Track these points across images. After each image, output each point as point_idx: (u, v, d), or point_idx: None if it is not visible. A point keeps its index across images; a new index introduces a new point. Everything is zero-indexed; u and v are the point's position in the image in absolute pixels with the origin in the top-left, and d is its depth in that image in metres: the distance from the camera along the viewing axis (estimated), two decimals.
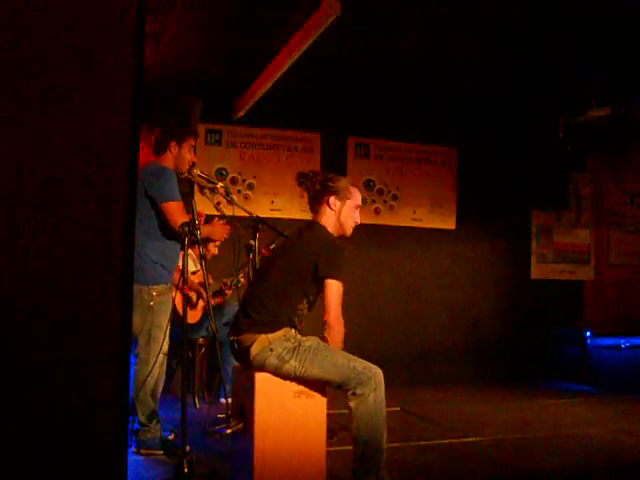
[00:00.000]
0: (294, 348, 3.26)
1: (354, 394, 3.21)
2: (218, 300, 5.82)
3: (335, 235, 3.55)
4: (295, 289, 3.38)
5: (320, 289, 3.37)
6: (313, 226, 3.55)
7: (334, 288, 3.31)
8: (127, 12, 1.67)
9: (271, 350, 3.25)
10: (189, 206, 3.66)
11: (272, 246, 4.30)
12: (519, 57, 5.76)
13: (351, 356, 3.30)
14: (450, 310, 7.60)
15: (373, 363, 3.30)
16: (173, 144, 4.20)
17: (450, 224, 7.75)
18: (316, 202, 3.58)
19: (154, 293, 4.02)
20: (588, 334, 7.67)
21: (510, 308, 7.86)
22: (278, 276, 3.42)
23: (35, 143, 1.59)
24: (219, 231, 4.37)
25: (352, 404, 3.22)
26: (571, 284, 8.30)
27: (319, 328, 3.38)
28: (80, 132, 1.62)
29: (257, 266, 4.43)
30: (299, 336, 3.34)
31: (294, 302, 3.38)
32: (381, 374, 3.26)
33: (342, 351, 3.32)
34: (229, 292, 5.81)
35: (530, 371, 7.62)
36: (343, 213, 3.56)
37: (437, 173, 7.74)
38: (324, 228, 3.53)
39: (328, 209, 3.55)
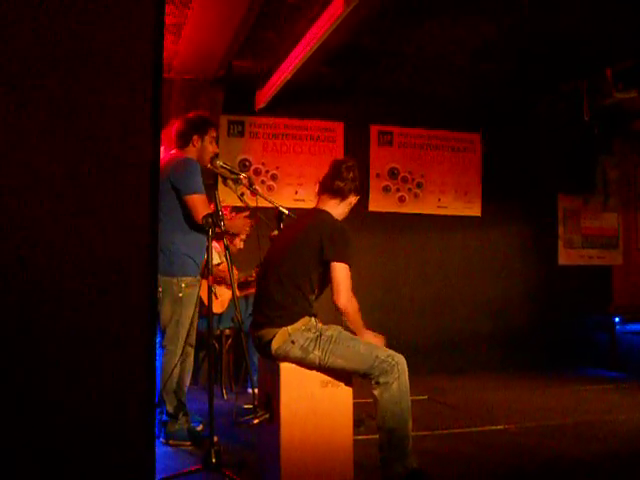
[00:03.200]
0: (316, 338, 3.26)
1: (378, 383, 3.22)
2: (247, 292, 5.83)
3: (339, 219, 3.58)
4: (305, 279, 3.38)
5: (328, 275, 3.37)
6: (319, 213, 3.56)
7: (341, 270, 3.32)
8: (146, 5, 1.67)
9: (292, 342, 3.26)
10: (213, 197, 3.67)
11: (274, 233, 4.27)
12: (543, 39, 5.68)
13: (374, 345, 3.30)
14: (477, 297, 7.54)
15: (399, 351, 3.30)
16: (196, 137, 4.22)
17: (476, 210, 7.69)
18: (335, 195, 3.56)
19: (183, 285, 4.05)
20: (617, 320, 7.59)
21: (538, 294, 7.79)
22: (287, 268, 3.41)
23: (57, 141, 1.59)
24: (239, 225, 4.39)
25: (376, 392, 3.23)
26: (599, 269, 8.21)
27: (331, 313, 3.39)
28: (101, 129, 1.62)
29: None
30: (320, 325, 3.35)
31: (306, 292, 3.38)
32: (404, 362, 3.26)
33: (364, 340, 3.32)
34: None
35: (559, 358, 7.56)
36: (353, 203, 3.63)
37: (461, 159, 7.69)
38: (329, 214, 3.54)
39: (342, 202, 3.56)
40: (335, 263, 3.32)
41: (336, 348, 3.25)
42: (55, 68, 1.58)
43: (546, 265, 7.95)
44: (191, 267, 4.12)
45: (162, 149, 4.49)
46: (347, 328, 3.38)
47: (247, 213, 4.43)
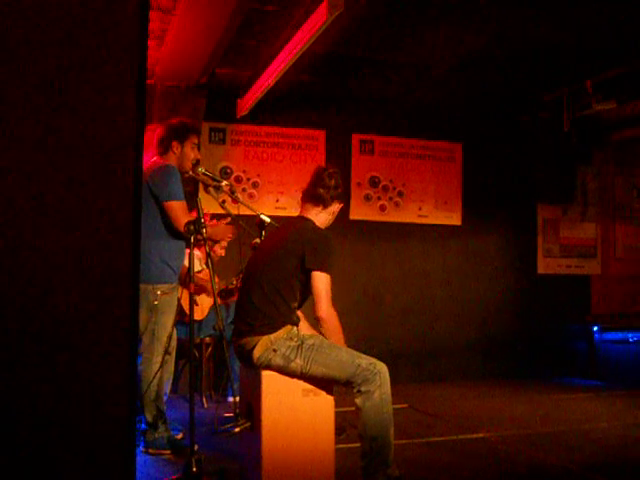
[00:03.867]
0: (298, 346, 3.25)
1: (360, 391, 3.21)
2: (227, 299, 5.81)
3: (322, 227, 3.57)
4: (287, 288, 3.36)
5: (309, 283, 3.34)
6: (302, 221, 3.55)
7: (322, 280, 3.30)
8: (130, 11, 1.66)
9: (274, 350, 3.24)
10: (194, 204, 3.65)
11: (255, 240, 4.24)
12: (524, 51, 5.74)
13: (355, 353, 3.29)
14: (457, 306, 7.58)
15: (380, 360, 3.29)
16: (175, 144, 4.19)
17: (456, 220, 7.73)
18: (317, 203, 3.55)
19: (158, 292, 4.02)
20: (596, 329, 7.66)
21: (517, 303, 7.84)
22: (269, 276, 3.39)
23: (38, 144, 1.58)
24: (221, 232, 4.38)
25: (358, 401, 3.22)
26: (578, 278, 8.27)
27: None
28: (83, 134, 1.61)
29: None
30: (301, 334, 3.33)
31: (289, 301, 3.36)
32: (386, 370, 3.25)
33: (346, 348, 3.32)
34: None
35: (538, 366, 7.61)
36: (336, 212, 3.62)
37: (442, 169, 7.72)
38: (312, 222, 3.53)
39: (324, 209, 3.55)
40: (316, 272, 3.30)
41: (318, 356, 3.23)
42: (39, 70, 1.57)
43: (525, 274, 8.00)
44: (168, 274, 4.09)
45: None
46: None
47: (228, 220, 4.41)
